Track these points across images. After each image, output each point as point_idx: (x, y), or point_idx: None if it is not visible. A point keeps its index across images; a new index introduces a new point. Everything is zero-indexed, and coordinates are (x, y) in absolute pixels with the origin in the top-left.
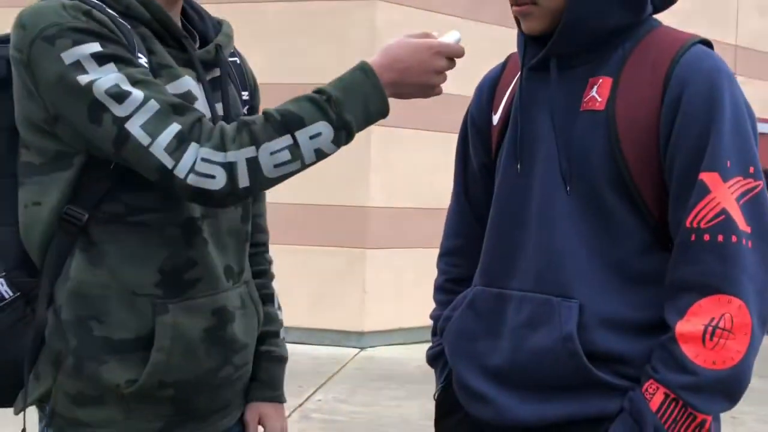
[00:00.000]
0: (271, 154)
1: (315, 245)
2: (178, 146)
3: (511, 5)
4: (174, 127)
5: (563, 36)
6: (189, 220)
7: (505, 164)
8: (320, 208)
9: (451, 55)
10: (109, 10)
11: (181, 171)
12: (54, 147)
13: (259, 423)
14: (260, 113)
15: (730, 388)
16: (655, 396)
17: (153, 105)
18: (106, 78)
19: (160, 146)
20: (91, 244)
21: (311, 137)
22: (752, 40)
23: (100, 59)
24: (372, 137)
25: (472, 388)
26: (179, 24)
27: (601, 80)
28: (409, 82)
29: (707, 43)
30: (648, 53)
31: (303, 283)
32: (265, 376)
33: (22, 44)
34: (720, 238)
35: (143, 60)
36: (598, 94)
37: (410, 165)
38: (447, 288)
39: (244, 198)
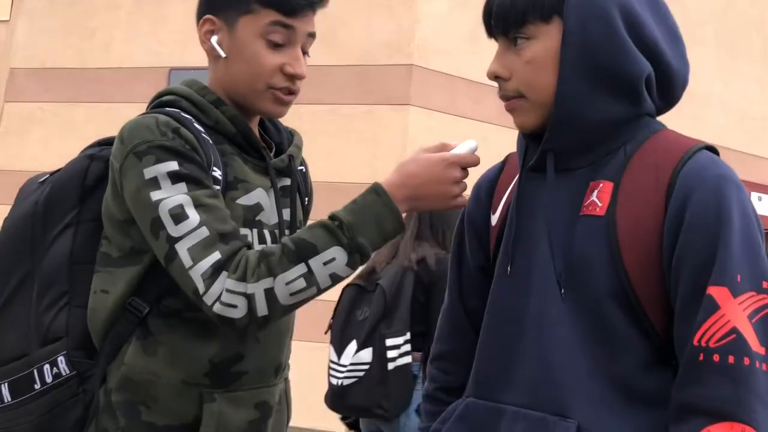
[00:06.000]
0: (287, 284)
1: None
2: (212, 274)
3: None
4: (215, 256)
5: (555, 130)
6: None
7: (500, 267)
8: None
9: (465, 165)
10: (197, 125)
11: (209, 298)
12: (129, 244)
13: None
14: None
15: None
16: None
17: (203, 231)
18: (173, 198)
19: (198, 271)
20: (148, 333)
21: (325, 263)
22: None
23: (174, 178)
24: None
25: None
26: (257, 135)
27: (602, 184)
28: (425, 195)
29: (713, 149)
30: (650, 157)
31: None
32: None
33: (119, 155)
34: (731, 359)
35: (218, 173)
36: (598, 198)
37: None
38: (437, 397)
39: (264, 326)
